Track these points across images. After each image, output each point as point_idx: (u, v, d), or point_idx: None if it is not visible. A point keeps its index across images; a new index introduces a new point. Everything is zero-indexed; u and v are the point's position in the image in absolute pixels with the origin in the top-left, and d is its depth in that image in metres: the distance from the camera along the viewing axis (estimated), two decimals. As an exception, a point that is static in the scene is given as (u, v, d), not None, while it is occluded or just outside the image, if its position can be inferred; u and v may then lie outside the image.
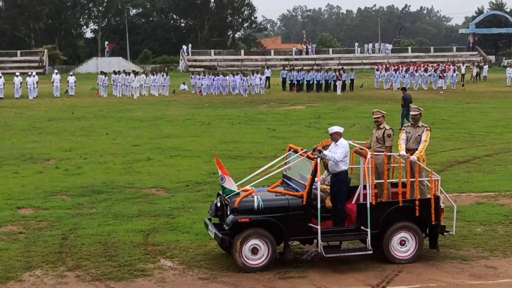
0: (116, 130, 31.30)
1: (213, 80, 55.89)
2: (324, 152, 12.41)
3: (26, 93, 51.06)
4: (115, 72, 56.12)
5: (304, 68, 65.62)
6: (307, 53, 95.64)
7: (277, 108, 42.04)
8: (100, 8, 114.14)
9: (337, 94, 53.55)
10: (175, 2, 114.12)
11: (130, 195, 17.90)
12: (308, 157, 12.50)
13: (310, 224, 12.17)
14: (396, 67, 64.18)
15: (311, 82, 57.36)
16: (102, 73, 56.69)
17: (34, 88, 51.36)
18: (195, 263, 12.42)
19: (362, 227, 12.34)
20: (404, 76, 60.07)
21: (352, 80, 57.87)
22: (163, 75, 56.00)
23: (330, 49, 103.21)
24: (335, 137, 12.68)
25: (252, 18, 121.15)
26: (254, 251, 12.05)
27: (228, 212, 12.25)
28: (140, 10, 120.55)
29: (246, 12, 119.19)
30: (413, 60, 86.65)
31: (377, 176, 12.91)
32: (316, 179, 12.21)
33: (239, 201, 12.08)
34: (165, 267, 12.31)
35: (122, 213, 15.89)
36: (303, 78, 57.85)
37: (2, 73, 55.59)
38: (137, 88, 53.14)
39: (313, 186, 12.22)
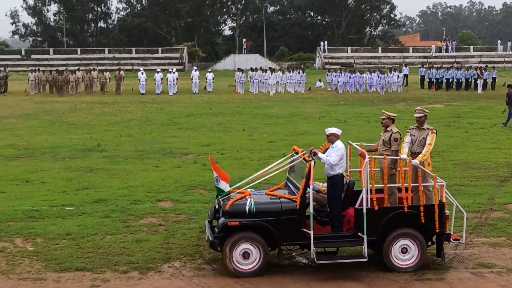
0: (252, 127, 31.66)
1: (350, 77, 55.46)
2: (319, 154, 12.04)
3: (167, 89, 52.57)
4: (252, 69, 56.78)
5: (444, 66, 64.19)
6: (446, 50, 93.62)
7: (415, 107, 41.04)
8: (238, 6, 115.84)
9: (478, 93, 52.00)
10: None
11: (266, 191, 18.00)
12: (304, 159, 12.05)
13: (303, 229, 11.68)
14: (541, 65, 61.74)
15: (450, 80, 56.03)
16: (239, 70, 57.48)
17: (174, 84, 52.77)
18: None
19: (359, 233, 11.80)
20: (550, 75, 57.66)
21: (494, 79, 56.04)
22: (299, 72, 56.14)
23: (471, 47, 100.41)
24: (331, 138, 12.32)
25: (391, 15, 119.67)
26: (245, 255, 11.66)
27: (220, 215, 11.99)
28: (278, 7, 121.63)
29: (385, 10, 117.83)
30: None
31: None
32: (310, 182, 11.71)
33: (230, 204, 11.78)
34: (300, 263, 12.39)
35: (258, 209, 15.99)
36: (443, 76, 56.54)
37: (144, 70, 57.40)
38: (274, 85, 53.57)
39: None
